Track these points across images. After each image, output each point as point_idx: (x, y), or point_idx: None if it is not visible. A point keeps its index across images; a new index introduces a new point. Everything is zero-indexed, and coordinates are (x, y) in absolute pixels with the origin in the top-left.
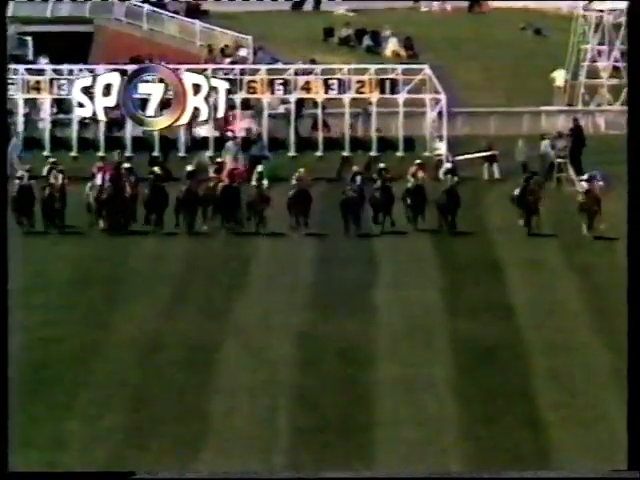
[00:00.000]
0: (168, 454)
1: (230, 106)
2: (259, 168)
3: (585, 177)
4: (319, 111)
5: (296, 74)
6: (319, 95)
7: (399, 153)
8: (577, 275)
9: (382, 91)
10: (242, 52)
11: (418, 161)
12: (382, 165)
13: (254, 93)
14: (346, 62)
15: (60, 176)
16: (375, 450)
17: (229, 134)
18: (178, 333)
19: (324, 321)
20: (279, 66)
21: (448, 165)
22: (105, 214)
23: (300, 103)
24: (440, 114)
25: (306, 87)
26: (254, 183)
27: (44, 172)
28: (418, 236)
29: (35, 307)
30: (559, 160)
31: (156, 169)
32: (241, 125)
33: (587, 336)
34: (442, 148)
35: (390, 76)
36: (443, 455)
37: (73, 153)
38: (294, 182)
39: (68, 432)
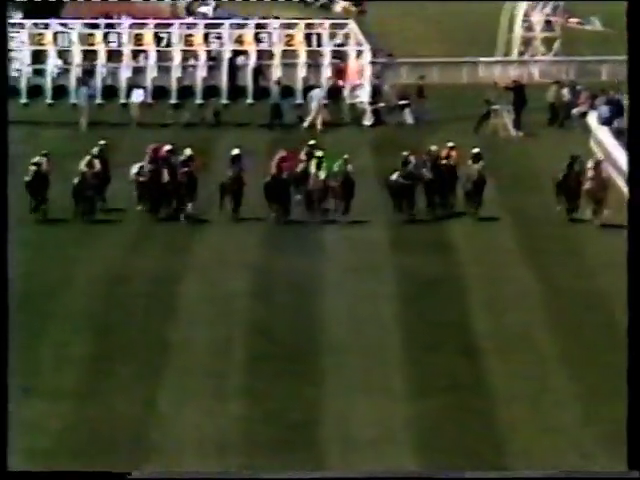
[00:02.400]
0: (133, 380)
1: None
2: (319, 154)
3: (590, 164)
4: (250, 61)
5: (233, 27)
6: (251, 47)
7: (325, 101)
8: (510, 216)
9: (309, 44)
10: (203, 9)
11: (450, 144)
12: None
13: (191, 45)
14: (302, 17)
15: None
16: (324, 376)
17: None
18: (142, 268)
19: (276, 257)
20: (236, 21)
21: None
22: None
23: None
24: (363, 65)
25: (239, 40)
26: (313, 170)
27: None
28: (368, 183)
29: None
30: (495, 107)
31: (187, 151)
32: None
33: (519, 270)
34: (364, 96)
35: (316, 30)
36: (387, 380)
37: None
38: (337, 170)
39: (40, 359)
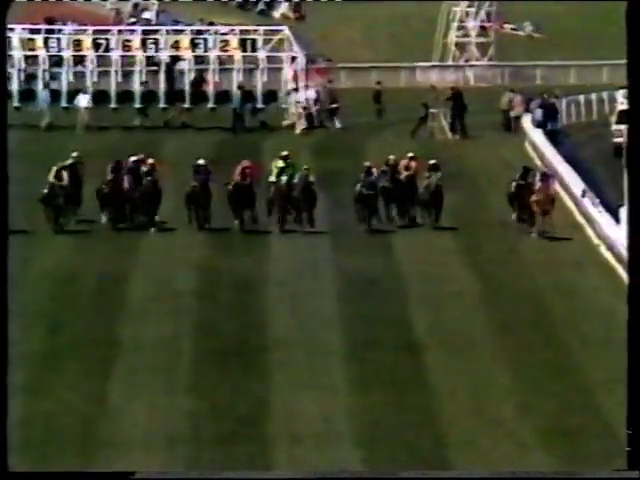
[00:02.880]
0: (82, 376)
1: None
2: (279, 163)
3: (538, 176)
4: (185, 66)
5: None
6: (187, 53)
7: (259, 105)
8: (449, 217)
9: (244, 49)
10: (146, 14)
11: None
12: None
13: (129, 50)
14: (240, 24)
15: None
16: (269, 370)
17: None
18: (91, 266)
19: (222, 257)
20: (177, 27)
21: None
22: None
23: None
24: (296, 70)
25: (175, 46)
26: (273, 179)
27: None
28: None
29: None
30: (432, 111)
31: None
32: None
33: (458, 269)
34: (301, 99)
35: (251, 36)
36: (330, 376)
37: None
38: (298, 180)
39: None
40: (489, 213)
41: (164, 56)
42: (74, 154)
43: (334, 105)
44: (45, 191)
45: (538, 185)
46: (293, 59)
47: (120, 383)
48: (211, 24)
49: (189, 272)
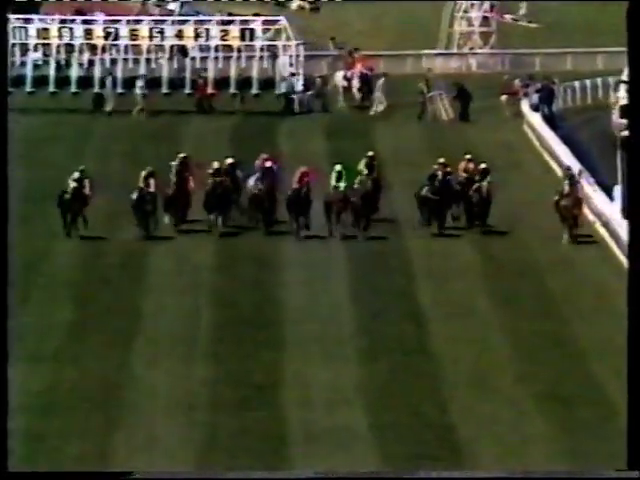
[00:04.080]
0: (107, 346)
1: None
2: (337, 167)
3: (567, 181)
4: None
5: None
6: (190, 42)
7: (254, 90)
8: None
9: (242, 39)
10: (171, 6)
11: (468, 156)
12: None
13: (136, 40)
14: (258, 14)
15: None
16: (282, 341)
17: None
18: (117, 241)
19: (237, 231)
20: (198, 17)
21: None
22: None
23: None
24: (291, 57)
25: (179, 35)
26: (333, 183)
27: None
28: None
29: None
30: (431, 94)
31: (215, 164)
32: None
33: (461, 243)
34: (291, 86)
35: (249, 26)
36: (340, 346)
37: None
38: (357, 185)
39: (24, 325)
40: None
41: (167, 44)
42: (180, 155)
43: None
44: (134, 197)
45: (566, 189)
46: (289, 47)
47: (142, 352)
48: (230, 15)
49: (207, 246)
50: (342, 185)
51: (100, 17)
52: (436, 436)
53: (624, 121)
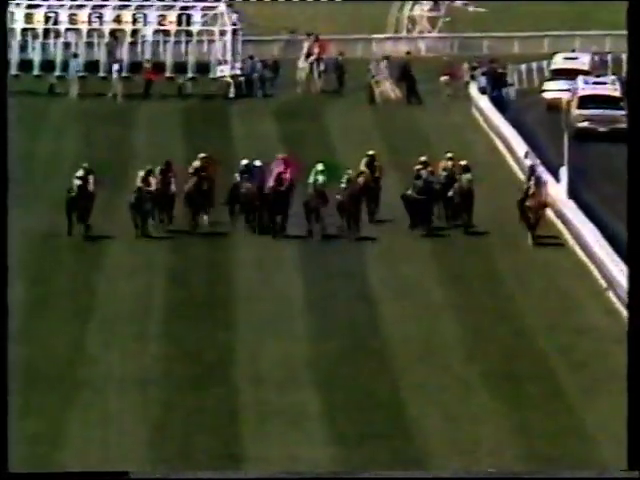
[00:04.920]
0: (62, 325)
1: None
2: (319, 167)
3: (532, 181)
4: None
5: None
6: (128, 27)
7: (190, 74)
8: (400, 174)
9: (179, 24)
10: None
11: (449, 154)
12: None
13: (75, 24)
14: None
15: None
16: (237, 322)
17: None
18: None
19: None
20: (139, 2)
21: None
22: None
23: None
24: (225, 43)
25: (117, 20)
26: (311, 181)
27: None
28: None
29: None
30: (377, 78)
31: (197, 163)
32: None
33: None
34: (226, 71)
35: (188, 12)
36: (292, 325)
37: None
38: (345, 183)
39: None
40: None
41: (106, 29)
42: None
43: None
44: (133, 197)
45: (532, 190)
46: (224, 32)
47: (96, 331)
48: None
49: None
50: (320, 179)
51: (43, 1)
52: (386, 414)
53: (582, 112)
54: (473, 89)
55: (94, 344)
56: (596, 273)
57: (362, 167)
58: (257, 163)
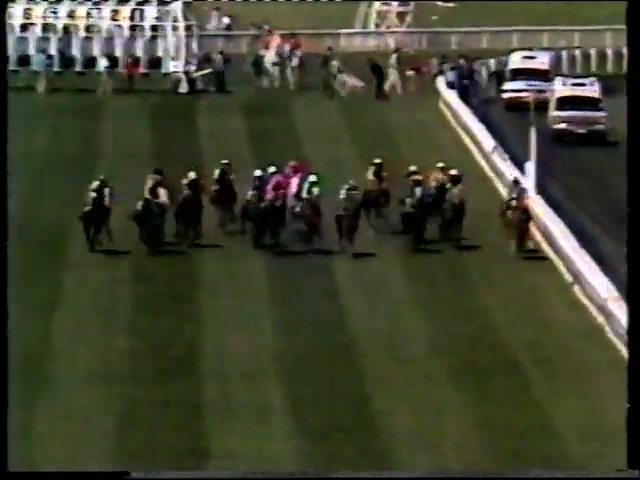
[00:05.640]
0: (28, 318)
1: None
2: (312, 178)
3: (515, 193)
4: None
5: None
6: (81, 22)
7: (142, 70)
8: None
9: (132, 19)
10: None
11: (440, 165)
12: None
13: (29, 19)
14: None
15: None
16: (202, 316)
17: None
18: (39, 217)
19: None
20: None
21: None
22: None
23: None
24: (178, 39)
25: (71, 15)
26: (305, 195)
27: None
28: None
29: None
30: (336, 73)
31: (192, 174)
32: None
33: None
34: (178, 66)
35: (141, 7)
36: (257, 319)
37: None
38: (344, 195)
39: None
40: (404, 166)
41: (59, 24)
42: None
43: (208, 70)
44: (139, 208)
45: (514, 203)
46: (176, 28)
47: (62, 325)
48: None
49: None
50: (315, 191)
51: None
52: (351, 408)
53: (559, 113)
54: (441, 84)
55: (60, 338)
56: (562, 268)
57: (369, 176)
58: (258, 173)
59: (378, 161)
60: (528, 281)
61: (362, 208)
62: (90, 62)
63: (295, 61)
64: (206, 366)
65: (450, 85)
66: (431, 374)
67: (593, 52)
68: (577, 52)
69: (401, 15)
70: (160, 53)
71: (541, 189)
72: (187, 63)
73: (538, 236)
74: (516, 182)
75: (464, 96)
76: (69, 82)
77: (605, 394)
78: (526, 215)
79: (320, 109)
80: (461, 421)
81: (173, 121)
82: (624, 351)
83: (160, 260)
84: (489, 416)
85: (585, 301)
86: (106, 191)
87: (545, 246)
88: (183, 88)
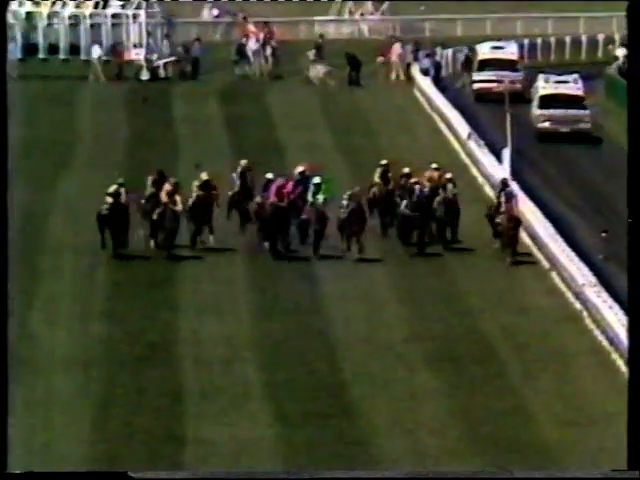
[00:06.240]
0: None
1: None
2: (316, 180)
3: (504, 196)
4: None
5: None
6: (46, 8)
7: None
8: (344, 156)
9: (96, 7)
10: None
11: (434, 165)
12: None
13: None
14: None
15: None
16: (179, 302)
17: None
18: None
19: (135, 193)
20: None
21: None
22: None
23: None
24: (140, 26)
25: (36, 2)
26: (310, 199)
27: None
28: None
29: None
30: (313, 60)
31: (204, 175)
32: None
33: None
34: (140, 54)
35: None
36: (234, 304)
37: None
38: (346, 200)
39: None
40: (380, 153)
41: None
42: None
43: (173, 58)
44: (155, 215)
45: (503, 207)
46: (136, 16)
47: (39, 310)
48: None
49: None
50: (320, 198)
51: None
52: (329, 394)
53: (543, 112)
54: (415, 71)
55: (37, 323)
56: (538, 254)
57: (376, 178)
58: (270, 176)
59: (385, 162)
60: (505, 266)
61: (368, 210)
62: (54, 49)
63: (269, 50)
64: (183, 352)
65: (424, 72)
66: (408, 360)
67: (568, 40)
68: (552, 40)
69: (376, 2)
70: (123, 40)
71: (517, 175)
72: (149, 51)
73: None
74: (504, 184)
75: (438, 83)
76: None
77: (581, 379)
78: (515, 222)
79: (295, 96)
80: (438, 407)
81: (148, 108)
82: (601, 337)
83: (137, 246)
84: (466, 402)
85: (562, 287)
86: (122, 190)
87: (521, 232)
88: (144, 75)
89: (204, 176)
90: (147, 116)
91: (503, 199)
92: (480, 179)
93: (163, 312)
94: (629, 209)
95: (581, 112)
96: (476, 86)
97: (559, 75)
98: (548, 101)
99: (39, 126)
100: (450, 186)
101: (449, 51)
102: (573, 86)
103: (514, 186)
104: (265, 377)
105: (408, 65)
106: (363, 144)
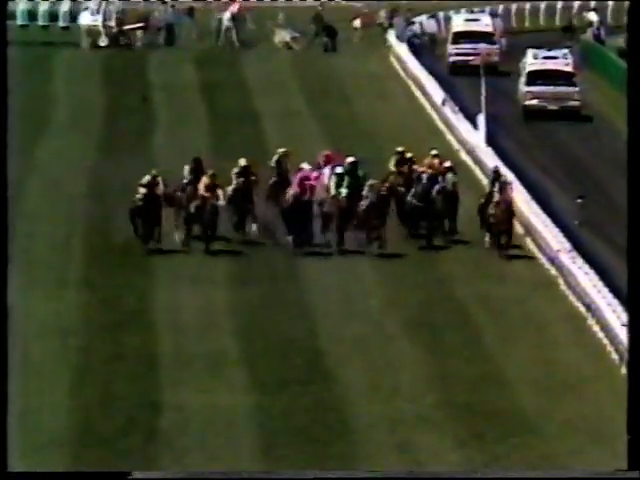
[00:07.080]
0: None
1: None
2: (338, 170)
3: (497, 186)
4: None
5: None
6: None
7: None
8: (319, 122)
9: None
10: None
11: (434, 152)
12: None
13: None
14: None
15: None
16: (155, 269)
17: None
18: None
19: (110, 160)
20: None
21: None
22: None
23: None
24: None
25: None
26: (332, 191)
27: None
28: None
29: None
30: (277, 28)
31: (242, 161)
32: None
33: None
34: (98, 20)
35: None
36: (210, 271)
37: None
38: (366, 192)
39: None
40: (357, 122)
41: None
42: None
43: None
44: (192, 208)
45: (496, 197)
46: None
47: (15, 278)
48: None
49: (80, 175)
50: (344, 192)
51: None
52: (306, 361)
53: (530, 89)
54: (391, 36)
55: (13, 291)
56: (514, 220)
57: (391, 167)
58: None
59: (401, 149)
60: (480, 233)
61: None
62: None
63: (241, 20)
64: (160, 319)
65: (400, 38)
66: (385, 327)
67: (542, 5)
68: (527, 6)
69: None
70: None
71: (492, 140)
72: (106, 18)
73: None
74: (497, 173)
75: (415, 51)
76: None
77: (557, 346)
78: (509, 212)
79: (269, 62)
80: (415, 374)
81: (124, 75)
82: (576, 303)
83: (112, 214)
84: (442, 369)
85: (537, 253)
86: (159, 179)
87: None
88: (102, 42)
89: (242, 162)
90: (122, 84)
91: (496, 189)
92: (455, 145)
93: (138, 279)
94: (629, 210)
95: (570, 89)
96: (452, 59)
97: (549, 50)
98: (536, 77)
99: (15, 93)
100: (450, 175)
101: (423, 17)
102: (562, 61)
103: (507, 174)
104: (242, 344)
105: (384, 30)
106: (338, 110)
